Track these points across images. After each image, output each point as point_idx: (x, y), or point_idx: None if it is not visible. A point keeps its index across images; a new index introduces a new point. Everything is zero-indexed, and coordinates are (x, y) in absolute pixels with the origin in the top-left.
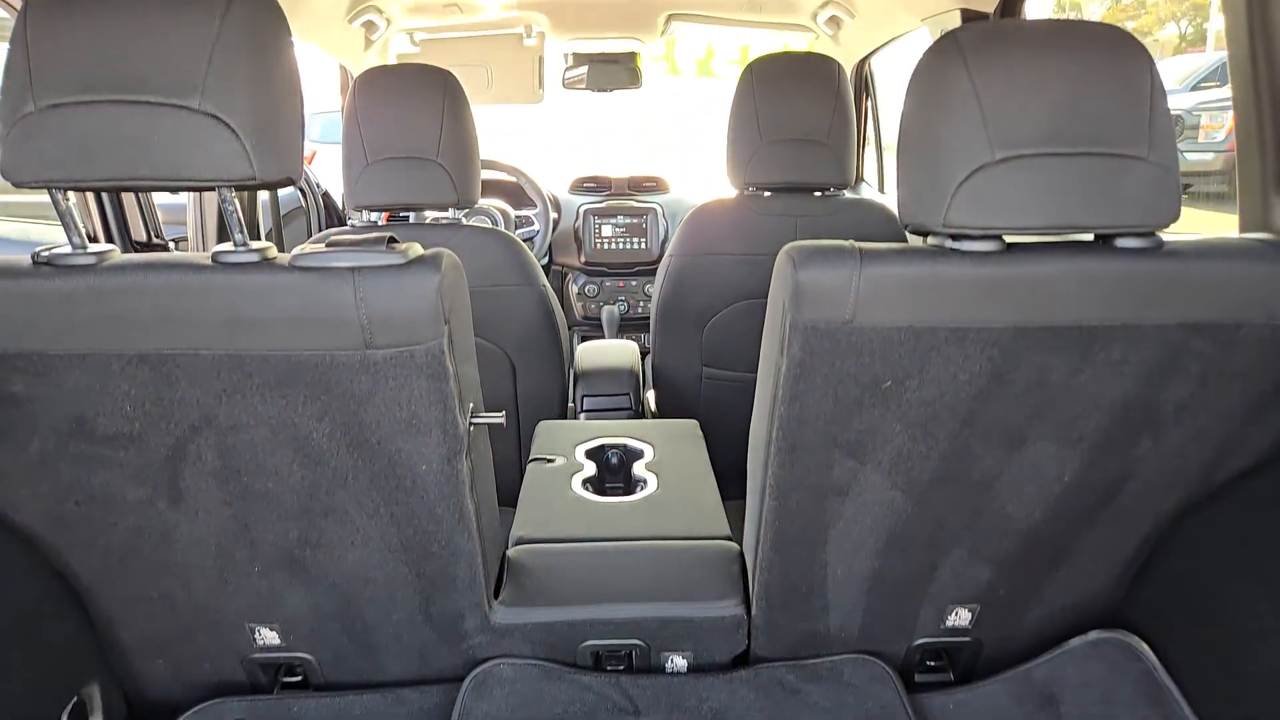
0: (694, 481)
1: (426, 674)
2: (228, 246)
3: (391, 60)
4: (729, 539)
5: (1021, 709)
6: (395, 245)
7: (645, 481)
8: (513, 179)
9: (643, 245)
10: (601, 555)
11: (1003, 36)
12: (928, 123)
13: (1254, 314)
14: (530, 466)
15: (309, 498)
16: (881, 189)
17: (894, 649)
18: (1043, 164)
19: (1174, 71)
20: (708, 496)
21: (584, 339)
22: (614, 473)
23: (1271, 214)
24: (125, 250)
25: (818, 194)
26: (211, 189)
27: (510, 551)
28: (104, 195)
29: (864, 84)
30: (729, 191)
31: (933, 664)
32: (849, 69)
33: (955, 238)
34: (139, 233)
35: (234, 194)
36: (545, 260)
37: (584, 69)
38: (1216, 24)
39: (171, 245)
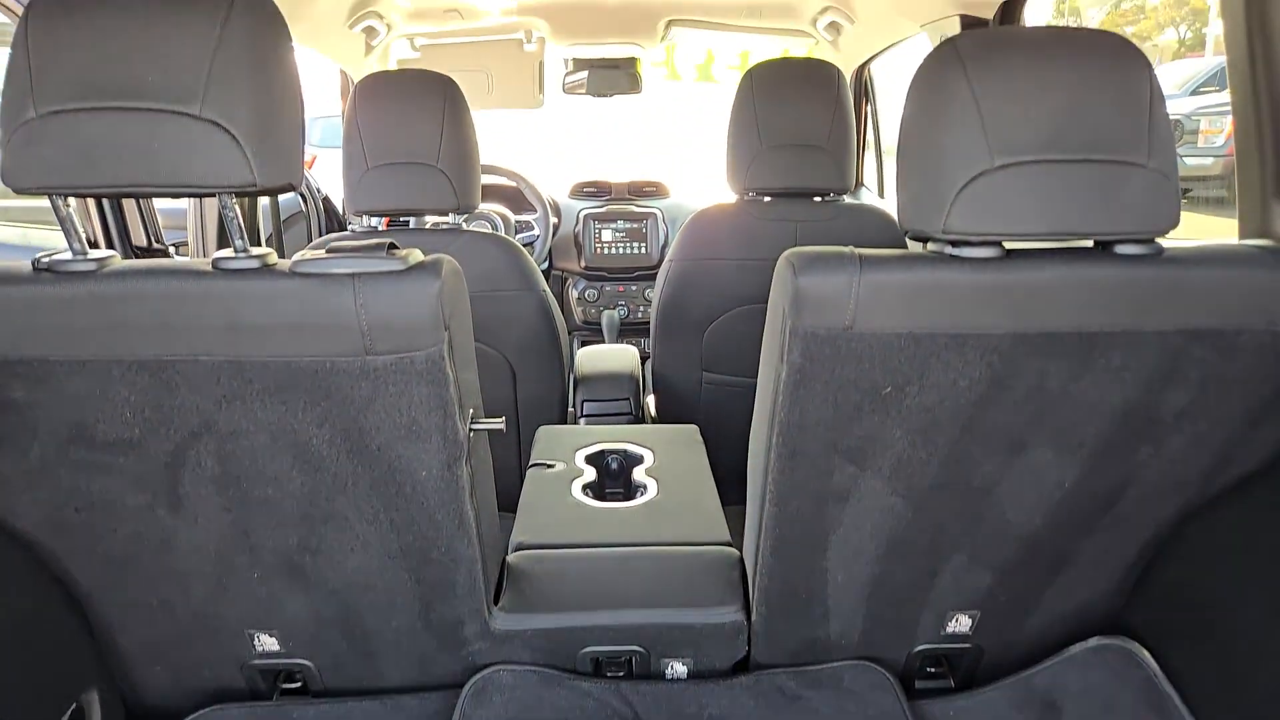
0: (694, 487)
1: (426, 680)
2: (228, 253)
3: (392, 65)
4: (729, 545)
5: (1022, 716)
6: (395, 251)
7: (645, 487)
8: (513, 184)
9: (643, 250)
10: (601, 561)
11: (1002, 43)
12: (927, 129)
13: (1254, 320)
14: (530, 472)
15: (309, 504)
16: (881, 194)
17: (894, 655)
18: (1042, 171)
19: (1173, 76)
20: (708, 502)
21: (584, 344)
22: (614, 478)
23: (1271, 220)
24: (125, 255)
25: (817, 199)
26: (212, 195)
27: (510, 557)
28: (104, 200)
29: (864, 89)
30: (729, 196)
31: (933, 670)
32: (849, 74)
33: (955, 244)
34: (139, 238)
35: (234, 200)
36: (545, 265)
37: (584, 74)
38: (1216, 29)
39: (172, 250)
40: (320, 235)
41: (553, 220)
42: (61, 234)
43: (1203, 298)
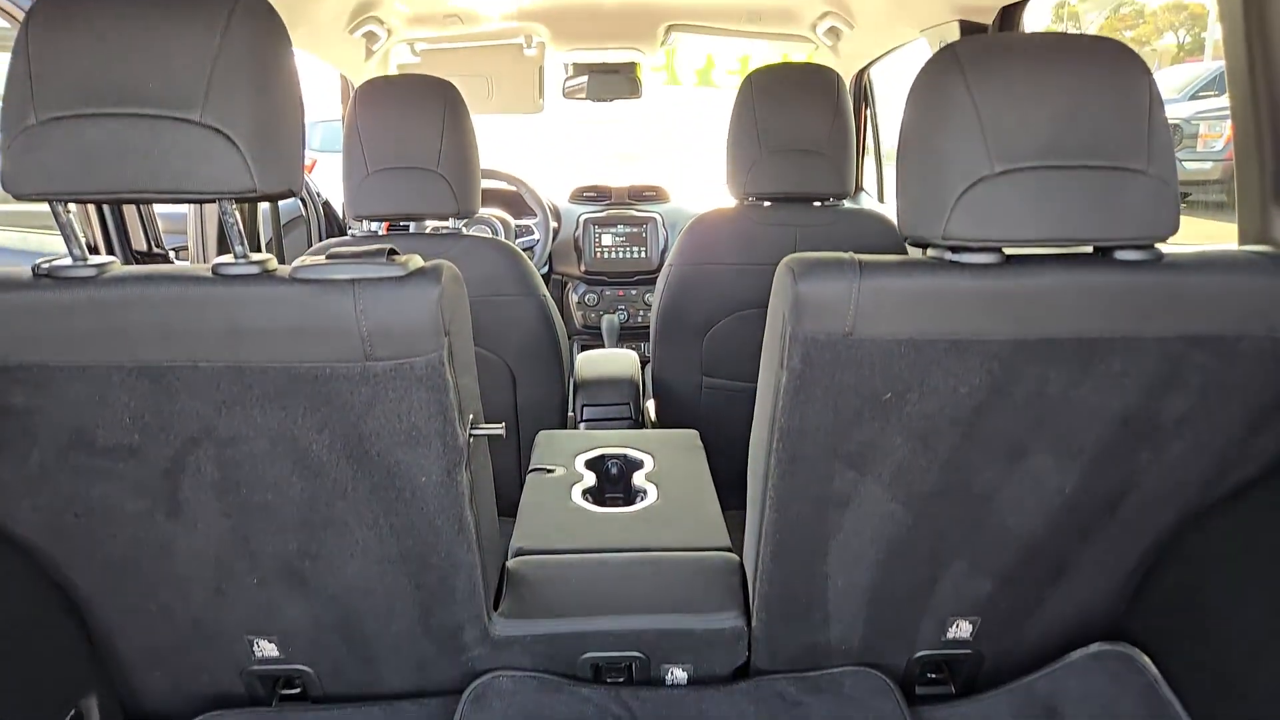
0: (694, 492)
1: (425, 686)
2: (228, 258)
3: (392, 70)
4: (729, 550)
5: None
6: (395, 257)
7: (645, 492)
8: (513, 188)
9: (643, 254)
10: (601, 567)
11: (1001, 50)
12: (927, 135)
13: (1254, 326)
14: (530, 477)
15: (308, 509)
16: (881, 198)
17: (895, 661)
18: (1042, 177)
19: (1172, 80)
20: (708, 507)
21: (584, 348)
22: (614, 483)
23: (1270, 226)
24: (126, 260)
25: (817, 204)
26: (212, 201)
27: (510, 563)
28: (104, 206)
29: (863, 94)
30: (728, 200)
31: (934, 676)
32: (848, 79)
33: (955, 250)
34: (139, 242)
35: (234, 206)
36: (545, 269)
37: (584, 79)
38: (1215, 34)
39: (172, 255)
40: (320, 240)
41: (553, 225)
42: (61, 238)
43: (1203, 304)
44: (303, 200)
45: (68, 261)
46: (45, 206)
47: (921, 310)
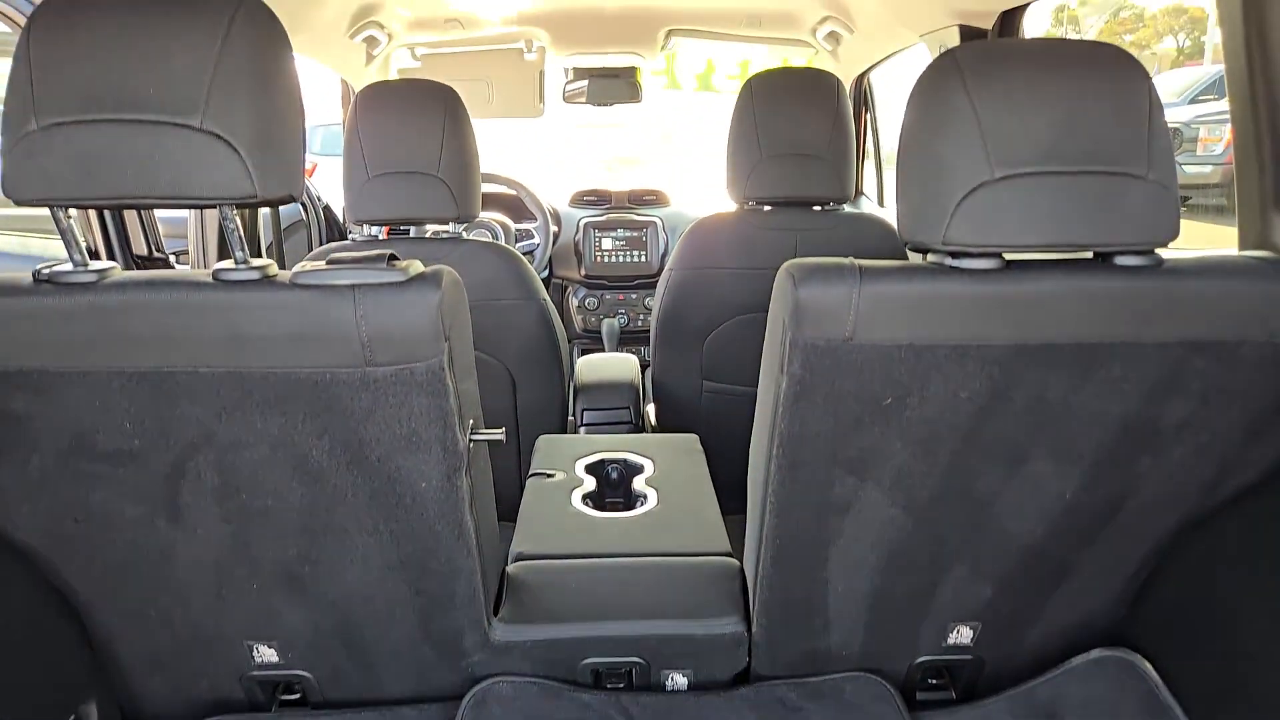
0: (694, 497)
1: (425, 692)
2: (228, 264)
3: (393, 75)
4: (729, 555)
5: None
6: (395, 263)
7: (645, 497)
8: (513, 192)
9: (643, 258)
10: (601, 572)
11: (1001, 55)
12: (927, 141)
13: (1254, 332)
14: (530, 481)
15: (308, 515)
16: (881, 203)
17: (895, 667)
18: (1042, 182)
19: (1172, 84)
20: (708, 512)
21: (584, 352)
22: (614, 488)
23: (1270, 231)
24: (126, 264)
25: (817, 208)
26: (213, 207)
27: (510, 568)
28: (105, 210)
29: (863, 98)
30: (728, 204)
31: (934, 682)
32: (848, 84)
33: (955, 255)
34: (140, 247)
35: (235, 211)
36: (545, 273)
37: (584, 83)
38: (1214, 37)
39: (172, 259)
40: (321, 244)
41: (553, 229)
42: (62, 243)
43: (1203, 309)
44: (303, 205)
45: (68, 267)
46: (46, 211)
47: (922, 315)
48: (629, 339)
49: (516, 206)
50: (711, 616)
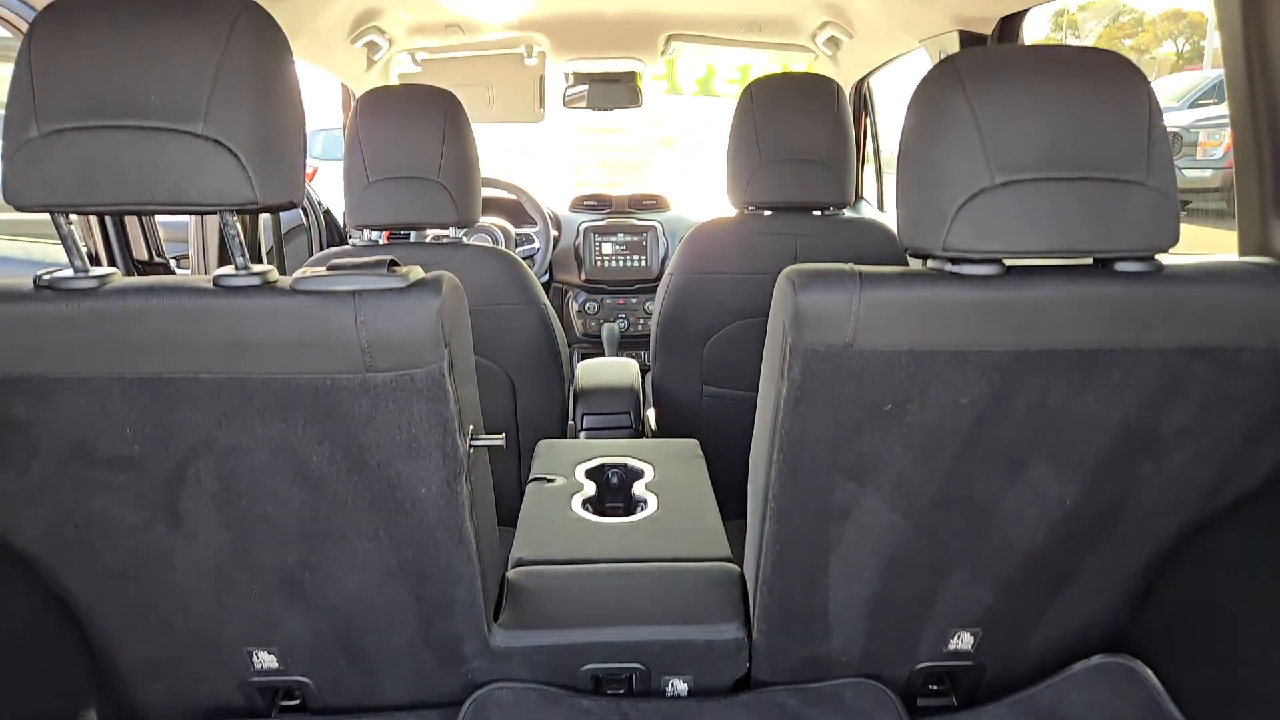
0: (694, 502)
1: (425, 698)
2: (229, 270)
3: (393, 80)
4: (729, 560)
5: None
6: (396, 268)
7: (645, 502)
8: (513, 197)
9: (643, 263)
10: (601, 577)
11: (1001, 62)
12: (927, 147)
13: (1255, 338)
14: (530, 486)
15: (308, 521)
16: (881, 207)
17: (896, 673)
18: (1042, 188)
19: (1172, 88)
20: (708, 517)
21: (584, 356)
22: (614, 493)
23: (1270, 237)
24: (127, 269)
25: (817, 213)
26: (214, 213)
27: (510, 573)
28: (106, 215)
29: (863, 103)
30: (728, 209)
31: (935, 688)
32: (848, 89)
33: (955, 261)
34: (140, 251)
35: (235, 217)
36: (545, 278)
37: (584, 88)
38: (1214, 42)
39: (173, 263)
40: (321, 248)
41: (553, 233)
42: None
43: (1203, 315)
44: (304, 209)
45: (69, 273)
46: (47, 216)
47: (922, 321)
48: (629, 343)
49: (517, 211)
50: (712, 622)
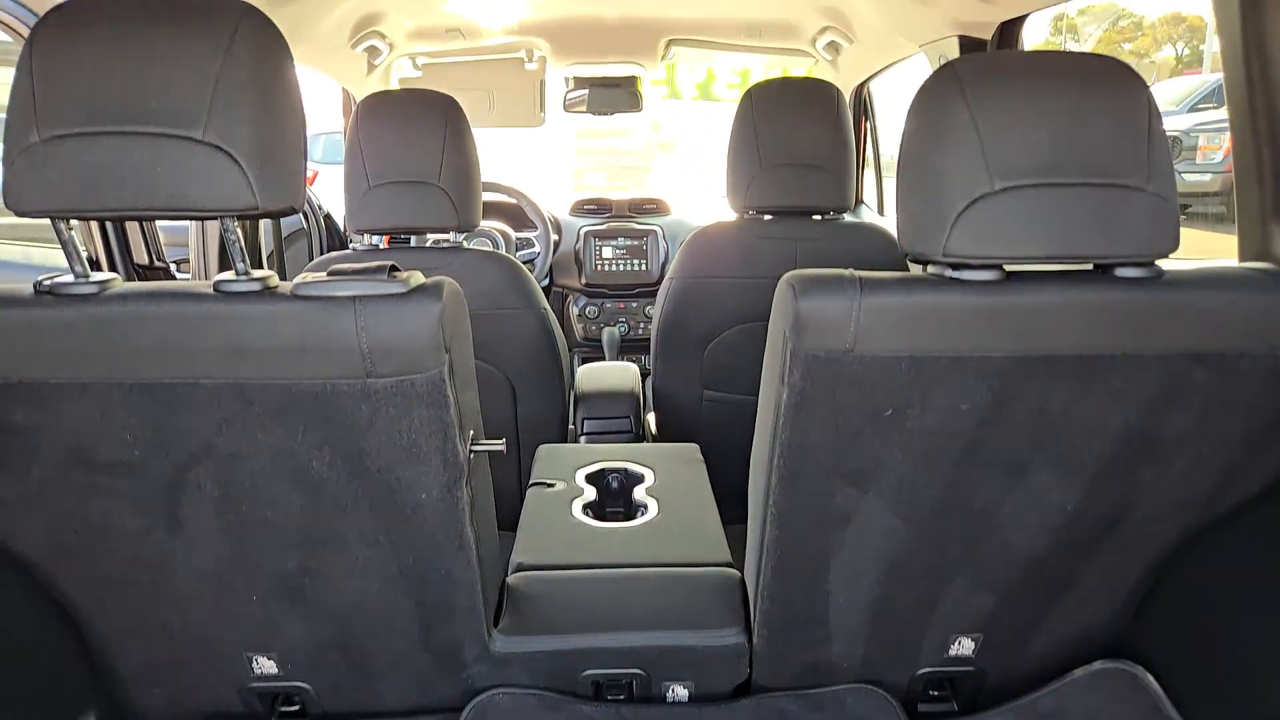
0: (695, 507)
1: (425, 703)
2: (229, 275)
3: (394, 84)
4: (730, 565)
5: None
6: (396, 274)
7: (646, 507)
8: (514, 201)
9: (643, 267)
10: (602, 583)
11: (1001, 68)
12: (927, 153)
13: (1255, 344)
14: (530, 491)
15: (308, 526)
16: (881, 211)
17: (897, 678)
18: (1042, 194)
19: (1171, 92)
20: (708, 522)
21: (584, 360)
22: (614, 498)
23: (1271, 243)
24: (127, 273)
25: (817, 218)
26: (214, 219)
27: (510, 579)
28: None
29: (863, 107)
30: (728, 212)
31: (936, 694)
32: (848, 93)
33: (955, 267)
34: (141, 255)
35: (236, 222)
36: (546, 282)
37: (584, 92)
38: (1214, 45)
39: (173, 267)
40: (322, 253)
41: (553, 237)
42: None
43: (1203, 321)
44: (304, 213)
45: (69, 279)
46: (47, 220)
47: (922, 327)
48: (629, 347)
49: (517, 215)
50: (712, 628)
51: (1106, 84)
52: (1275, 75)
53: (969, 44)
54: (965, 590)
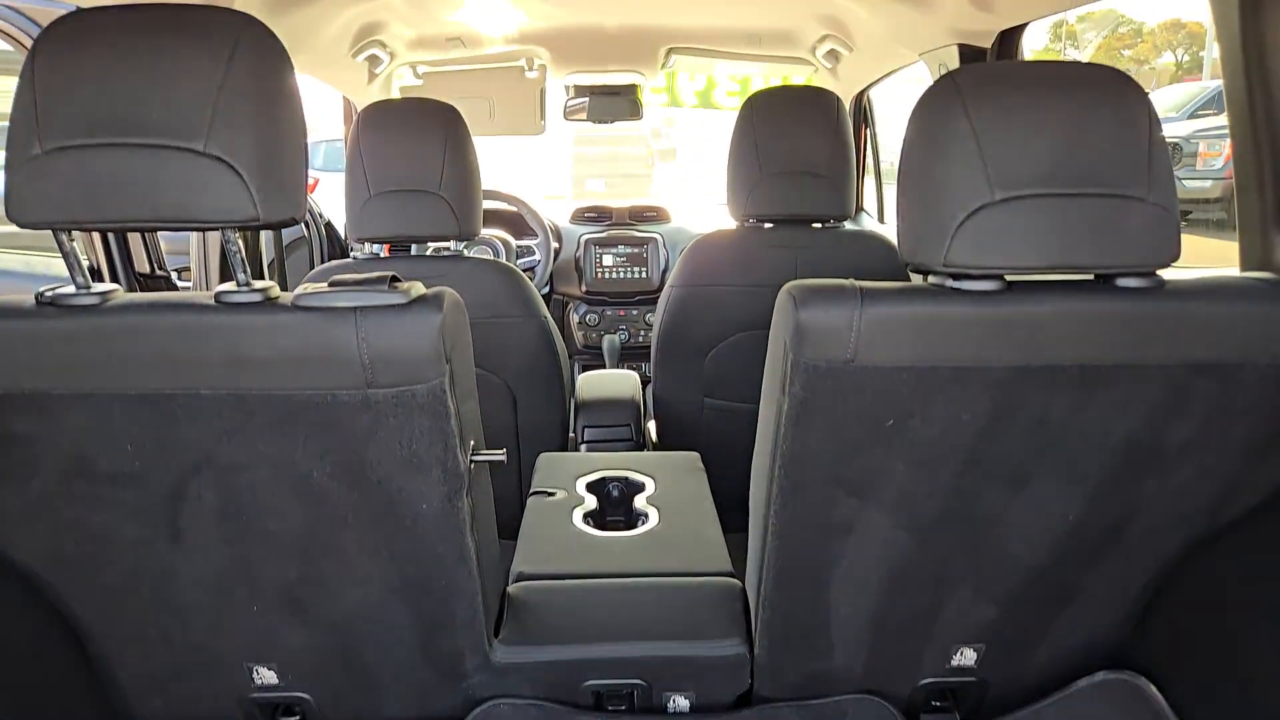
0: (695, 515)
1: (426, 714)
2: (230, 286)
3: (395, 93)
4: (731, 575)
5: None
6: (397, 284)
7: (646, 515)
8: (514, 209)
9: (643, 275)
10: (603, 592)
11: (1001, 78)
12: (927, 163)
13: (1257, 354)
14: (531, 500)
15: (309, 537)
16: (881, 219)
17: (899, 689)
18: (1043, 204)
19: (1171, 99)
20: (709, 531)
21: (585, 368)
22: (615, 506)
23: (1272, 252)
24: (128, 282)
25: (818, 226)
26: (216, 229)
27: (511, 588)
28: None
29: (863, 114)
30: (729, 220)
31: (938, 704)
32: (848, 101)
33: (956, 277)
34: (142, 264)
35: (237, 233)
36: (546, 290)
37: (585, 100)
38: (1214, 52)
39: (174, 276)
40: (323, 261)
41: (554, 245)
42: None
43: (1205, 331)
44: (305, 222)
45: (71, 290)
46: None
47: (923, 337)
48: (630, 355)
49: (517, 223)
50: (713, 638)
51: (1107, 94)
52: (1275, 82)
53: (969, 52)
54: (967, 601)
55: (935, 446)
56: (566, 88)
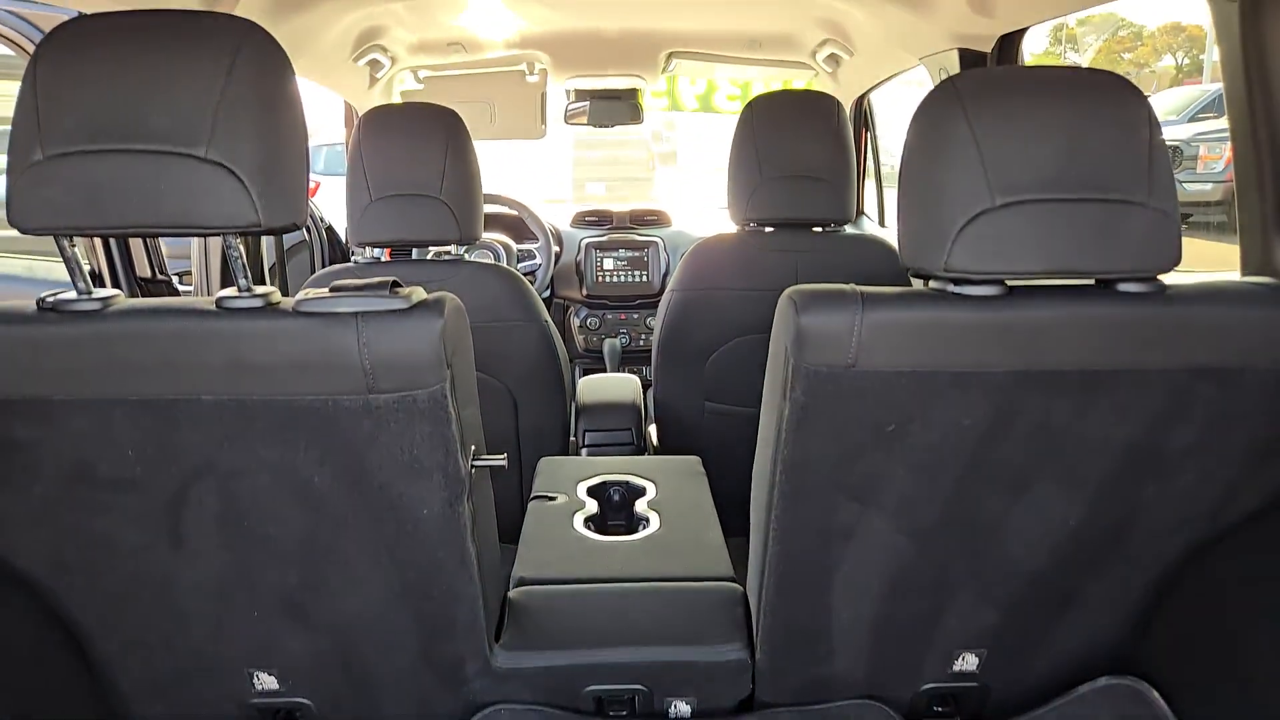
0: (696, 520)
1: (426, 719)
2: (231, 292)
3: (396, 97)
4: (732, 579)
5: None
6: (398, 289)
7: (647, 520)
8: (515, 213)
9: (644, 278)
10: (604, 597)
11: (1001, 83)
12: (928, 168)
13: (1258, 359)
14: (532, 505)
15: (309, 542)
16: (882, 222)
17: (900, 694)
18: (1043, 209)
19: (1171, 102)
20: (710, 536)
21: (586, 372)
22: (616, 511)
23: (1273, 256)
24: (130, 286)
25: (818, 229)
26: (217, 235)
27: (512, 593)
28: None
29: (863, 118)
30: (729, 224)
31: (940, 709)
32: (848, 105)
33: (957, 282)
34: (143, 268)
35: (239, 238)
36: (547, 294)
37: (585, 104)
38: (1214, 55)
39: (175, 280)
40: (324, 265)
41: (554, 249)
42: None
43: (1206, 336)
44: (306, 226)
45: (72, 295)
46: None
47: (924, 342)
48: (630, 359)
49: (518, 227)
50: (714, 643)
51: (1107, 99)
52: (1275, 86)
53: (969, 56)
54: (969, 605)
55: (936, 451)
56: (567, 92)
